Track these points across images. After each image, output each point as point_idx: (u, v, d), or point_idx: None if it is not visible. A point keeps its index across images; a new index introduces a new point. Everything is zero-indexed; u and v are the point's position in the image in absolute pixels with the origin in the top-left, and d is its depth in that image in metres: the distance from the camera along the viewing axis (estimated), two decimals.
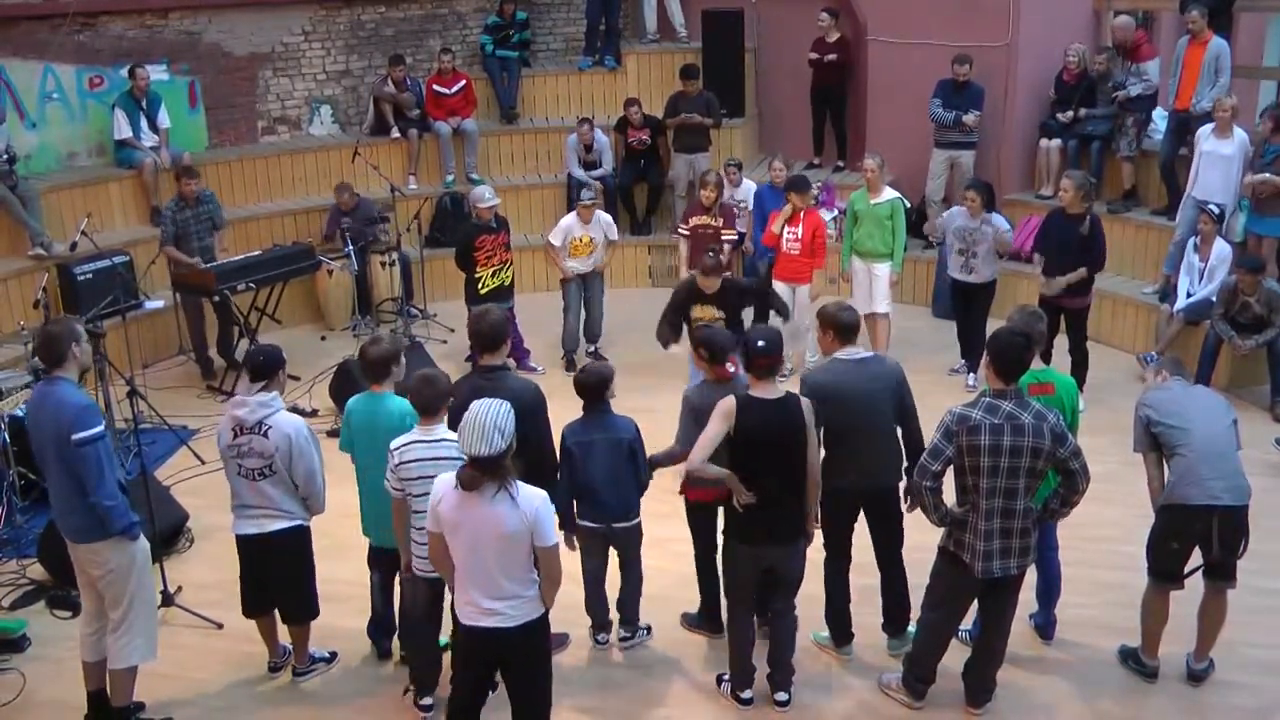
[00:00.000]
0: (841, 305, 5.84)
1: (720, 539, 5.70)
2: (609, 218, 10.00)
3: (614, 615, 6.17)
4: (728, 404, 5.22)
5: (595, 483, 5.77)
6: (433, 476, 5.04)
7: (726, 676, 5.75)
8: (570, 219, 9.84)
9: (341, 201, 10.86)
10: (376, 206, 11.11)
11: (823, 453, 5.58)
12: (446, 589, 5.37)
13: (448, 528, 4.47)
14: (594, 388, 5.77)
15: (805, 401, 5.27)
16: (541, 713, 4.82)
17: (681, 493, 5.91)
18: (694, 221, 9.69)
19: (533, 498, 4.43)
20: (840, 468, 5.59)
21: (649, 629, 6.21)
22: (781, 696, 5.65)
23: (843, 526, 5.80)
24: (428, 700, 5.62)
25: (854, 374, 5.58)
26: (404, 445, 5.23)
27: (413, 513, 5.27)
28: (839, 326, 5.66)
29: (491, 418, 4.30)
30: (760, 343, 5.24)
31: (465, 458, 4.37)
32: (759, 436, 5.18)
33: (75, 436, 5.01)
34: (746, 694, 5.65)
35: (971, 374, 9.27)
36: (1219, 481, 5.40)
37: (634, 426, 5.80)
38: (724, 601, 5.79)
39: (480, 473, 4.33)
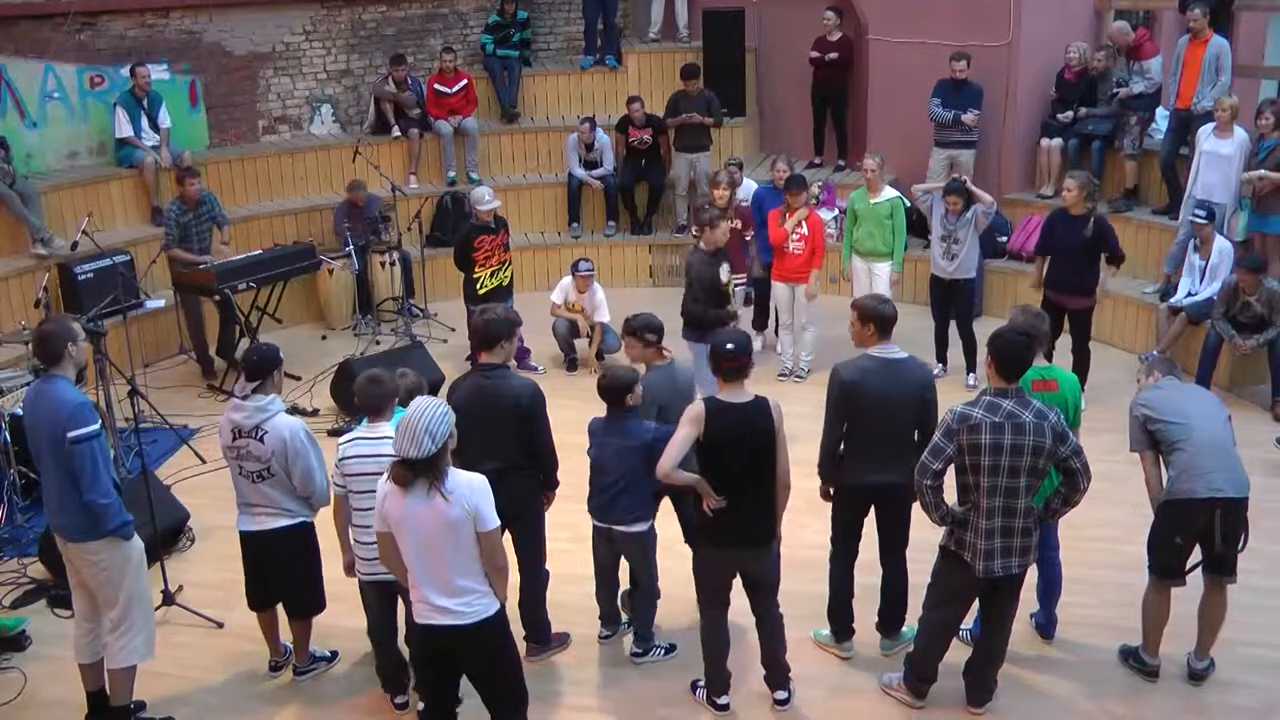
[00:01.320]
0: (880, 298, 5.82)
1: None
2: (602, 297, 9.96)
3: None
4: (696, 409, 5.20)
5: (602, 483, 5.80)
6: (374, 474, 5.08)
7: (701, 683, 5.73)
8: (568, 281, 9.96)
9: (355, 198, 10.84)
10: (379, 206, 11.10)
11: (841, 447, 5.63)
12: (400, 598, 5.37)
13: (394, 525, 4.45)
14: (610, 391, 5.74)
15: (774, 404, 5.25)
16: (516, 710, 4.78)
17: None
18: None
19: (468, 485, 4.39)
20: (855, 464, 5.59)
21: (669, 648, 6.11)
22: (781, 695, 5.64)
23: (852, 522, 5.80)
24: (402, 699, 5.65)
25: (883, 374, 5.54)
26: (348, 441, 5.31)
27: (354, 510, 5.31)
28: (880, 320, 5.61)
29: (424, 422, 4.27)
30: (729, 345, 5.20)
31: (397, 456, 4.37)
32: (728, 441, 5.16)
33: (70, 434, 5.01)
34: (724, 699, 5.62)
35: (971, 374, 9.27)
36: (1221, 474, 5.41)
37: (648, 435, 5.67)
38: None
39: (410, 472, 4.32)
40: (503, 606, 4.60)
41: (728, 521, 5.25)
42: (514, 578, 5.44)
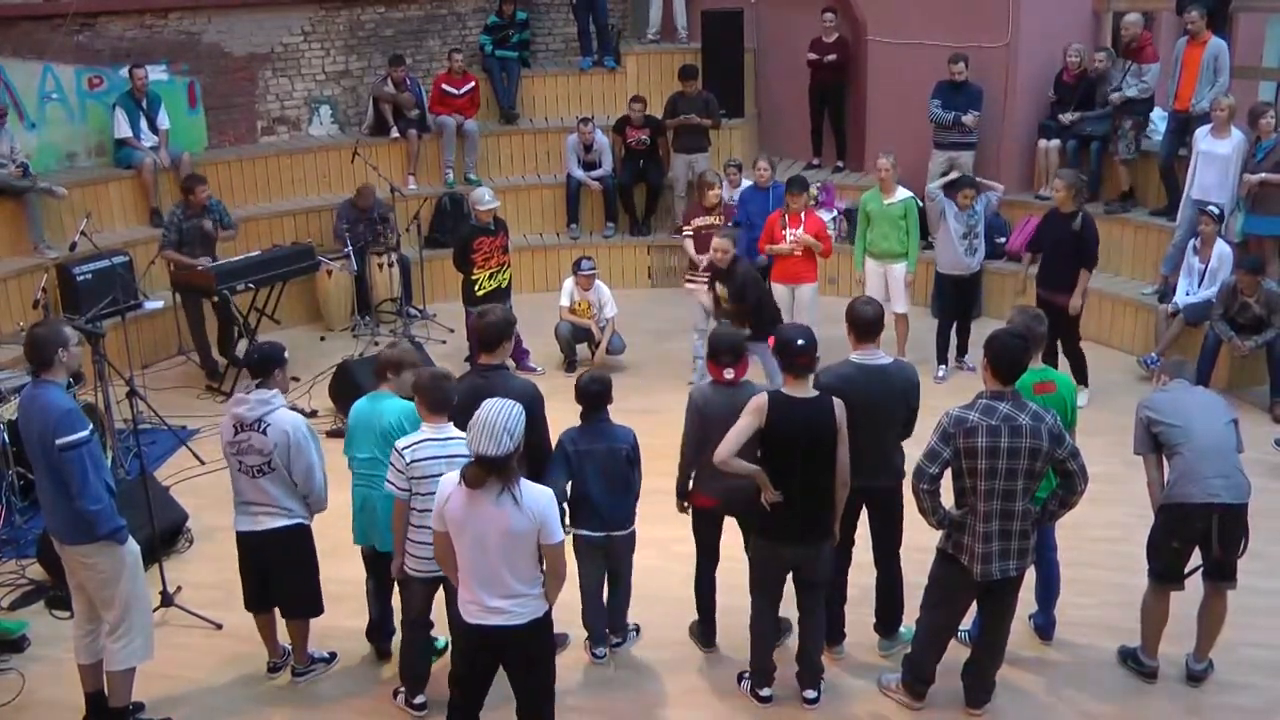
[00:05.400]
0: (865, 299, 5.79)
1: (723, 550, 5.69)
2: (609, 292, 10.00)
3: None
4: (760, 400, 5.21)
5: (593, 492, 5.73)
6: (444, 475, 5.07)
7: (747, 674, 5.75)
8: (571, 281, 10.01)
9: (361, 201, 10.82)
10: (381, 207, 11.09)
11: None
12: (441, 590, 5.39)
13: (454, 527, 4.46)
14: (596, 396, 5.73)
15: (838, 403, 5.24)
16: (546, 708, 4.82)
17: (686, 500, 5.89)
18: (697, 222, 9.71)
19: (539, 497, 4.44)
20: None
21: (637, 629, 6.18)
22: (810, 694, 5.65)
23: (844, 525, 5.78)
24: (420, 699, 5.63)
25: (866, 380, 5.51)
26: (414, 444, 5.20)
27: (414, 512, 5.25)
28: (854, 321, 5.58)
29: (502, 419, 4.30)
30: (799, 341, 5.20)
31: (472, 456, 4.37)
32: (790, 435, 5.16)
33: (59, 441, 5.00)
34: (766, 691, 5.65)
35: (964, 356, 9.58)
36: (1219, 480, 5.41)
37: (632, 435, 5.76)
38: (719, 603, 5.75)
39: (485, 472, 4.33)
40: (550, 609, 4.64)
41: (783, 517, 5.25)
42: None
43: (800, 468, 5.20)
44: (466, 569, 4.52)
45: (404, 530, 5.34)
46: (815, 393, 5.24)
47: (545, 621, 4.63)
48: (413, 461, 5.18)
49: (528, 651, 4.63)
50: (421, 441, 5.22)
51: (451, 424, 5.25)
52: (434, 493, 5.03)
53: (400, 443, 5.25)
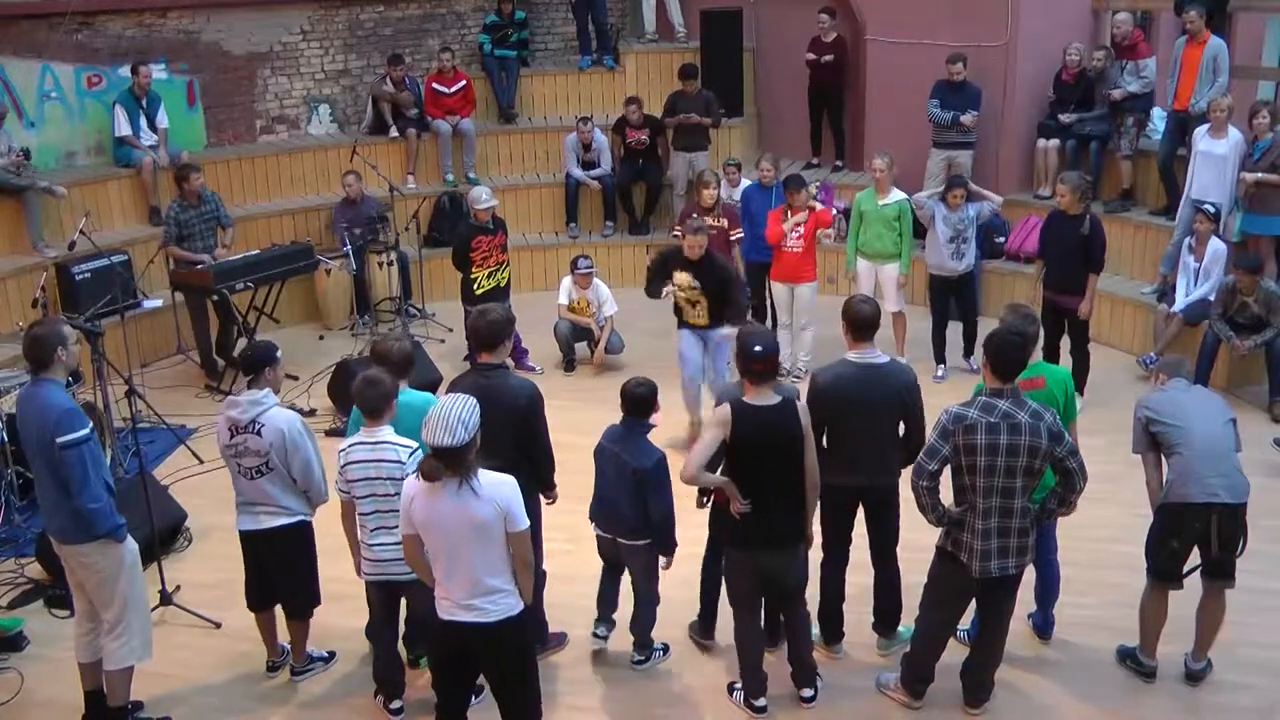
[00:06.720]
0: (863, 297, 5.79)
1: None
2: (607, 291, 10.01)
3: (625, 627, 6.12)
4: (723, 412, 5.21)
5: (604, 490, 5.78)
6: (375, 479, 5.15)
7: (738, 685, 5.72)
8: (569, 280, 10.01)
9: (348, 185, 10.84)
10: (378, 205, 11.10)
11: (824, 444, 5.57)
12: (403, 597, 5.43)
13: (421, 527, 4.47)
14: (638, 400, 5.69)
15: (801, 406, 5.24)
16: (521, 708, 4.79)
17: (706, 498, 5.87)
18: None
19: (500, 484, 4.43)
20: (839, 467, 5.57)
21: (666, 648, 6.11)
22: (807, 693, 5.65)
23: (841, 525, 5.80)
24: (397, 704, 5.63)
25: (861, 379, 5.51)
26: (349, 447, 5.29)
27: (360, 514, 5.31)
28: (851, 320, 5.59)
29: (456, 411, 4.33)
30: (757, 347, 5.17)
31: (428, 449, 4.37)
32: (756, 443, 5.16)
33: (59, 440, 5.00)
34: (761, 701, 5.60)
35: (970, 357, 9.50)
36: (1218, 479, 5.41)
37: (654, 459, 5.61)
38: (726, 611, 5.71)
39: (442, 463, 4.33)
40: (526, 608, 4.62)
41: (754, 524, 5.24)
42: None
43: (768, 474, 5.19)
44: (440, 568, 4.52)
45: (352, 531, 5.41)
46: (778, 399, 5.21)
47: (519, 620, 4.59)
48: (345, 465, 5.26)
49: (500, 650, 4.62)
50: (355, 445, 5.29)
51: (389, 428, 5.28)
52: (367, 496, 5.22)
53: (340, 446, 5.34)
